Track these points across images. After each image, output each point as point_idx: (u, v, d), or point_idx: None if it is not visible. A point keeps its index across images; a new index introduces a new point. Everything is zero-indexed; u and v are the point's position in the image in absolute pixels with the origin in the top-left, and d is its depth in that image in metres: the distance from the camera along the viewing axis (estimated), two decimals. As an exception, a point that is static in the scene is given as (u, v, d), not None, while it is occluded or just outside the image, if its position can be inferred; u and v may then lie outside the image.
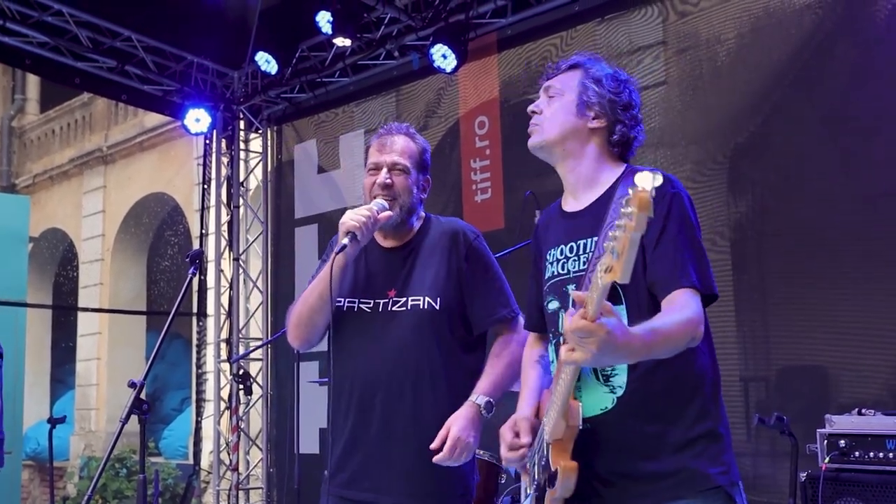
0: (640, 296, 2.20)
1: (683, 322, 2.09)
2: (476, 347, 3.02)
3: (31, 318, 11.83)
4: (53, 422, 5.94)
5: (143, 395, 2.89)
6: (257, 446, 8.25)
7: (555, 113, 2.44)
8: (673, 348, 2.09)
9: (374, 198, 2.97)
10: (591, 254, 2.27)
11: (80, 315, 15.03)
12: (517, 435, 2.32)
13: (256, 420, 8.33)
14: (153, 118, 13.15)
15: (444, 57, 6.35)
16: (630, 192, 1.73)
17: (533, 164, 7.11)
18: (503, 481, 4.57)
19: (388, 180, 2.98)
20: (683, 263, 2.17)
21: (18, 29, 7.02)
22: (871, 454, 3.69)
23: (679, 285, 2.15)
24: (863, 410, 3.88)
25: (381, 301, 2.97)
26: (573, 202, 2.44)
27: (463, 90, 7.07)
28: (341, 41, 6.75)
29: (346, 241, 2.84)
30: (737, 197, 5.60)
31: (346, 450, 2.96)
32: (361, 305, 3.00)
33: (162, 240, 15.12)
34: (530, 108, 2.50)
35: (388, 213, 2.93)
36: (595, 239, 2.26)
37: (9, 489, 8.49)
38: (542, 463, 2.24)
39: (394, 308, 2.95)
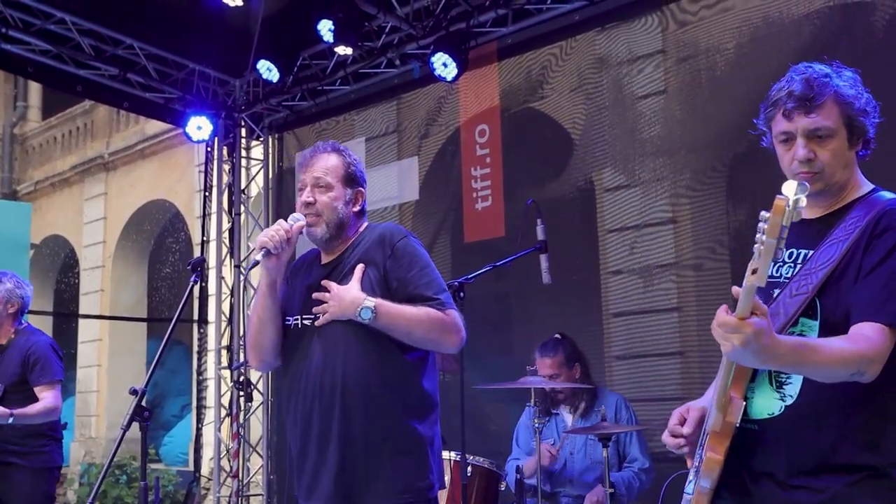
0: (836, 314, 2.14)
1: (848, 352, 2.04)
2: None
3: (32, 324, 11.84)
4: (55, 428, 5.92)
5: (143, 402, 2.91)
6: (258, 453, 8.25)
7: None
8: (828, 373, 2.07)
9: None
10: (801, 266, 2.24)
11: (81, 322, 15.04)
12: (683, 422, 2.31)
13: (257, 427, 8.33)
14: (154, 125, 13.17)
15: (445, 65, 6.37)
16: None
17: (533, 172, 7.20)
18: (503, 489, 4.57)
19: (310, 198, 3.08)
20: (887, 299, 2.09)
21: (21, 37, 7.04)
22: None
23: (871, 317, 2.09)
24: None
25: (315, 316, 3.02)
26: (808, 210, 2.39)
27: (463, 98, 7.10)
28: (343, 49, 6.77)
29: (258, 256, 2.96)
30: (736, 205, 5.63)
31: (298, 464, 3.06)
32: (305, 321, 3.07)
33: (163, 247, 15.13)
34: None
35: (301, 223, 3.03)
36: (810, 252, 2.24)
37: (9, 495, 8.48)
38: (701, 454, 2.25)
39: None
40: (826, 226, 2.26)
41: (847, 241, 2.18)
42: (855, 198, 2.29)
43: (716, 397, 2.17)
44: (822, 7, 5.23)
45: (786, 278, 2.26)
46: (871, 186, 2.34)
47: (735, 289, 1.91)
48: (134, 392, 2.85)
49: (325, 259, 3.18)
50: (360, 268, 2.99)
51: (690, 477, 2.32)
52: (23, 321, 5.49)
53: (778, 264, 2.30)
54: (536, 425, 4.39)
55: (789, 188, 1.81)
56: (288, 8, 6.95)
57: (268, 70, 7.19)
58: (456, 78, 6.46)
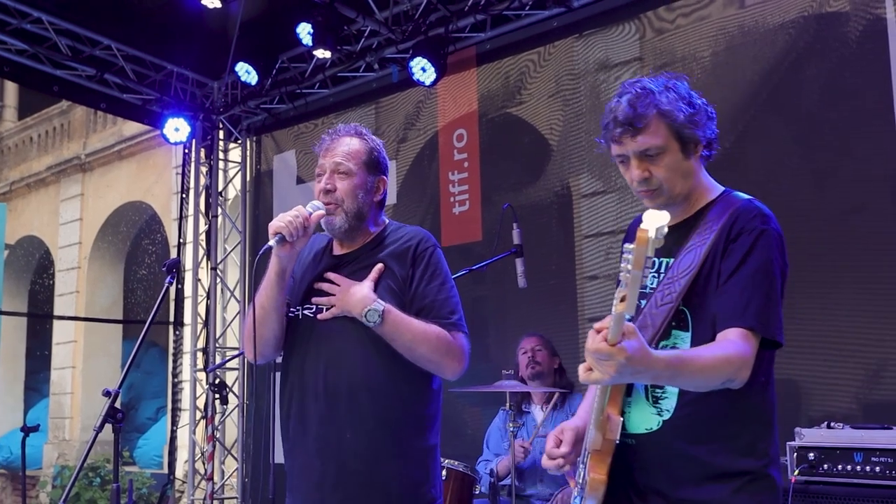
0: (706, 324, 2.17)
1: (720, 359, 2.07)
2: None
3: (6, 325, 11.77)
4: (27, 430, 5.89)
5: (117, 404, 2.89)
6: (233, 456, 8.22)
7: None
8: (703, 382, 2.09)
9: None
10: (662, 276, 2.26)
11: (56, 323, 14.93)
12: (559, 444, 2.30)
13: (232, 430, 8.30)
14: (132, 127, 13.12)
15: (424, 70, 6.37)
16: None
17: (511, 177, 7.21)
18: (477, 492, 4.57)
19: (329, 185, 2.88)
20: (748, 303, 2.12)
21: (-3, 36, 7.00)
22: (840, 467, 3.72)
23: (735, 323, 2.11)
24: (832, 424, 3.92)
25: (323, 307, 2.86)
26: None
27: (442, 103, 7.10)
28: (321, 53, 6.76)
29: (272, 242, 2.76)
30: (710, 212, 5.65)
31: (291, 463, 2.92)
32: (306, 312, 2.89)
33: (139, 248, 15.06)
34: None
35: (321, 212, 2.84)
36: (670, 261, 2.26)
37: (-19, 498, 8.41)
38: (583, 471, 2.24)
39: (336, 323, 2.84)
40: (683, 233, 2.28)
41: (704, 246, 2.21)
42: (707, 202, 2.32)
43: (593, 416, 2.17)
44: (796, 17, 5.27)
45: (651, 289, 2.28)
46: (721, 189, 2.36)
47: (597, 324, 1.89)
48: (107, 394, 2.82)
49: (338, 250, 2.99)
50: (378, 267, 2.83)
51: (575, 493, 2.33)
52: None
53: (651, 274, 2.33)
54: (511, 429, 4.39)
55: (650, 220, 1.79)
56: (267, 11, 6.93)
57: (246, 72, 7.17)
58: (434, 82, 6.46)
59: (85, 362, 14.17)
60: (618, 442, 2.16)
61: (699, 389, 2.12)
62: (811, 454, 3.80)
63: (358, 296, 2.74)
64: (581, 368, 1.94)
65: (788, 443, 3.88)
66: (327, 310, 2.81)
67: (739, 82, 5.42)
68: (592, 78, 6.29)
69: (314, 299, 2.85)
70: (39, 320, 16.16)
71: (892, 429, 3.75)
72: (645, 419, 2.23)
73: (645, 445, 2.22)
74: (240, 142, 8.55)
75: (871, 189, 4.92)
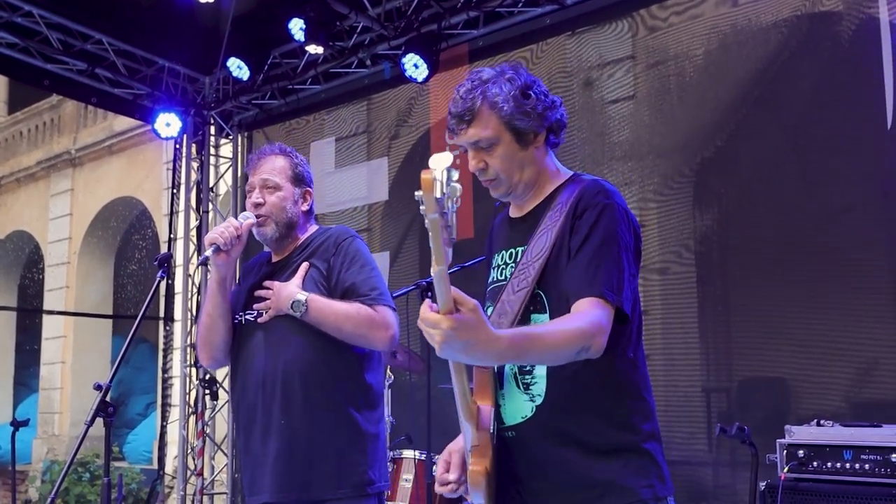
0: (562, 304, 2.14)
1: (571, 331, 2.02)
2: None
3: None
4: (16, 425, 5.88)
5: (108, 398, 2.88)
6: (223, 451, 8.21)
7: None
8: (555, 355, 2.04)
9: None
10: (515, 265, 2.26)
11: (45, 318, 14.89)
12: (448, 468, 2.25)
13: (222, 425, 8.28)
14: (123, 122, 13.07)
15: (416, 66, 6.37)
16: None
17: (502, 174, 7.13)
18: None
19: (259, 199, 3.13)
20: (596, 274, 2.11)
21: (-12, 30, 6.97)
22: (829, 464, 3.73)
23: (585, 294, 2.09)
24: (821, 421, 3.93)
25: (262, 312, 3.07)
26: (514, 210, 2.43)
27: (434, 100, 7.10)
28: (313, 49, 6.75)
29: (208, 252, 3.00)
30: (702, 210, 5.67)
31: (244, 460, 3.11)
32: (248, 317, 3.12)
33: (129, 244, 15.02)
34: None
35: (251, 220, 3.09)
36: (523, 248, 2.26)
37: (-31, 493, 8.38)
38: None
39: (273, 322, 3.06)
40: (534, 220, 2.29)
41: (555, 229, 2.21)
42: (555, 187, 2.32)
43: (461, 410, 2.08)
44: (789, 16, 5.28)
45: (507, 278, 2.28)
46: (570, 173, 2.37)
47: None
48: (98, 387, 2.82)
49: (274, 259, 3.23)
50: (304, 266, 3.07)
51: None
52: None
53: (500, 267, 2.35)
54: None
55: (435, 161, 1.70)
56: (259, 6, 6.92)
57: (238, 68, 7.15)
58: (427, 79, 6.46)
59: (75, 358, 14.13)
60: (493, 433, 2.12)
61: (556, 363, 2.09)
62: (801, 451, 3.81)
63: (285, 293, 2.98)
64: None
65: (778, 440, 3.89)
66: (266, 313, 3.03)
67: (732, 81, 5.43)
68: (585, 75, 6.29)
69: (255, 305, 3.07)
70: (29, 315, 16.11)
71: (881, 427, 3.76)
72: (519, 408, 2.20)
73: (523, 434, 2.19)
74: (231, 137, 8.53)
75: (862, 188, 4.94)
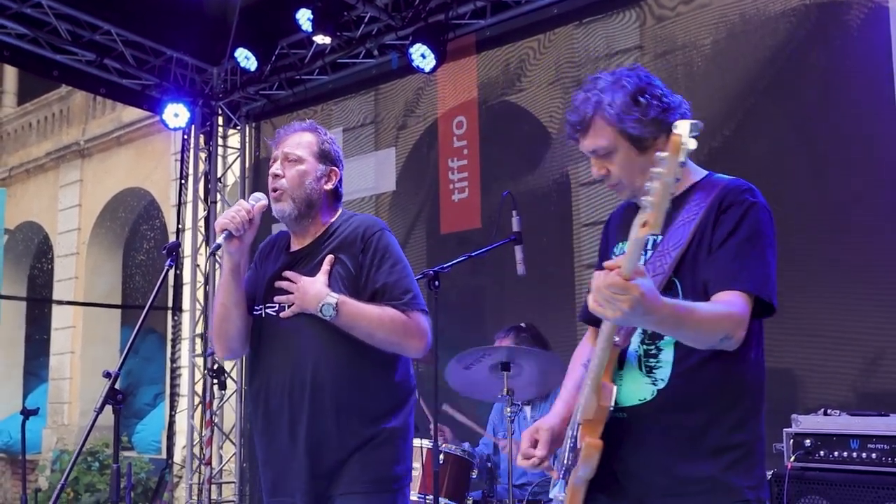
0: (696, 293, 2.17)
1: (721, 314, 2.08)
2: None
3: (5, 310, 11.77)
4: (26, 413, 5.88)
5: (117, 387, 2.87)
6: (230, 441, 8.23)
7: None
8: (704, 336, 2.09)
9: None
10: (651, 252, 2.28)
11: (55, 308, 14.92)
12: (535, 444, 2.31)
13: (230, 415, 8.30)
14: (131, 113, 13.07)
15: (423, 57, 6.36)
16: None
17: (510, 164, 7.20)
18: (475, 476, 4.58)
19: (279, 171, 2.97)
20: (742, 267, 2.14)
21: (-3, 20, 6.98)
22: (836, 453, 3.73)
23: (730, 287, 2.13)
24: (828, 411, 3.93)
25: (284, 305, 2.92)
26: None
27: (441, 90, 7.09)
28: (321, 39, 6.74)
29: (220, 239, 2.83)
30: (710, 200, 5.65)
31: (266, 460, 2.99)
32: (268, 310, 2.96)
33: (138, 234, 15.03)
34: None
35: (263, 202, 2.91)
36: (658, 238, 2.27)
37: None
38: (572, 444, 2.23)
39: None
40: (668, 213, 2.31)
41: (695, 222, 2.23)
42: (692, 183, 2.33)
43: (591, 381, 2.17)
44: (798, 5, 5.26)
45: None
46: (704, 172, 2.39)
47: (608, 262, 1.89)
48: (107, 375, 2.81)
49: (295, 245, 3.05)
50: (329, 259, 2.89)
51: (554, 481, 2.33)
52: None
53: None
54: (509, 413, 4.40)
55: (683, 127, 1.81)
56: (267, -4, 6.92)
57: (246, 58, 7.15)
58: (434, 69, 6.46)
59: (84, 348, 14.16)
60: (611, 409, 2.16)
61: (697, 343, 2.11)
62: (807, 441, 3.81)
63: (312, 292, 2.80)
64: (589, 300, 1.93)
65: (785, 429, 3.89)
66: (289, 307, 2.87)
67: (740, 70, 5.41)
68: (593, 66, 6.27)
69: (276, 298, 2.92)
70: (38, 305, 16.15)
71: (888, 416, 3.76)
72: (638, 390, 2.22)
73: (637, 417, 2.21)
74: (239, 128, 8.53)
75: (872, 178, 4.92)
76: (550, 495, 2.38)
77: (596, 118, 2.26)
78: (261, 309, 2.98)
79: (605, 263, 1.91)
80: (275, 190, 2.95)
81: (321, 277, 2.84)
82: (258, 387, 2.99)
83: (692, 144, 1.81)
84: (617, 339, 2.21)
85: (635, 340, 2.25)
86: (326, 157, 3.03)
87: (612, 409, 2.16)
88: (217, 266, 8.27)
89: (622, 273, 1.85)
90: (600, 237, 2.64)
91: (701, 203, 2.25)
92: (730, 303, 2.11)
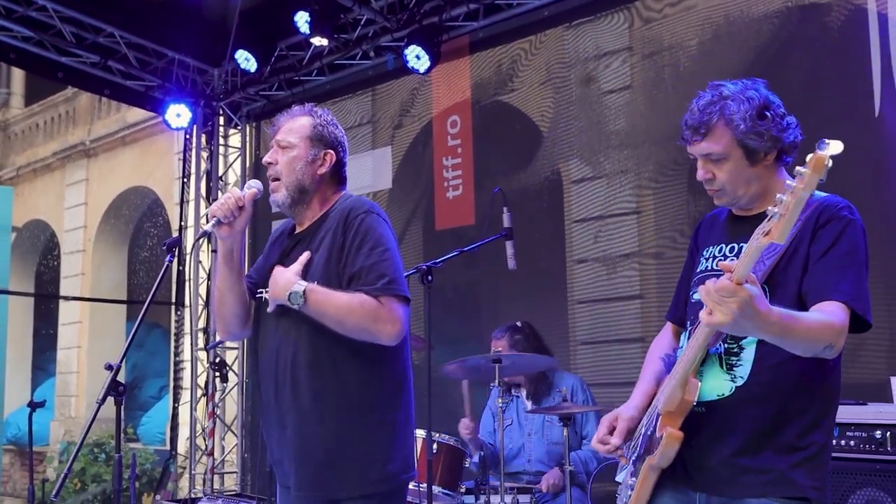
0: (785, 303, 2.13)
1: (826, 323, 2.08)
2: None
3: (14, 306, 11.74)
4: (33, 406, 5.91)
5: (120, 379, 2.88)
6: (232, 432, 8.25)
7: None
8: (808, 344, 2.08)
9: None
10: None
11: (62, 304, 14.93)
12: (612, 431, 2.34)
13: (232, 407, 8.32)
14: (135, 113, 13.07)
15: (418, 58, 6.38)
16: (810, 155, 1.80)
17: (502, 162, 7.21)
18: (467, 465, 4.60)
19: (270, 159, 2.90)
20: (841, 279, 2.15)
21: (3, 23, 6.98)
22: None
23: (831, 297, 2.13)
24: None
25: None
26: (738, 209, 2.44)
27: (436, 90, 7.11)
28: (319, 41, 6.75)
29: (208, 227, 2.78)
30: (696, 196, 5.67)
31: (268, 440, 2.93)
32: (265, 294, 2.86)
33: (142, 232, 15.03)
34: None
35: (254, 190, 2.84)
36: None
37: (-11, 472, 8.44)
38: (649, 432, 2.26)
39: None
40: (760, 222, 2.31)
41: (791, 233, 2.21)
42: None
43: (679, 376, 2.19)
44: (780, 7, 5.28)
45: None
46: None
47: (723, 263, 1.92)
48: (109, 367, 2.81)
49: (297, 229, 2.97)
50: (305, 255, 2.79)
51: (625, 468, 2.36)
52: None
53: (718, 258, 2.36)
54: (500, 405, 4.42)
55: (831, 146, 1.83)
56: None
57: (246, 60, 7.16)
58: (428, 70, 6.47)
59: (90, 342, 14.16)
60: (694, 403, 2.18)
61: (803, 351, 2.11)
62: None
63: (281, 281, 2.72)
64: (703, 313, 1.95)
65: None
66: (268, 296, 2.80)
67: (724, 71, 5.42)
68: (582, 66, 6.29)
69: (259, 291, 2.89)
70: (46, 301, 16.14)
71: (866, 405, 3.78)
72: (718, 386, 2.23)
73: (715, 411, 2.22)
74: (239, 128, 8.55)
75: (852, 175, 4.93)
76: (617, 479, 2.40)
77: (718, 124, 2.26)
78: (261, 293, 2.90)
79: (720, 264, 1.93)
80: (274, 179, 2.89)
81: (295, 267, 2.75)
82: (254, 370, 2.97)
83: (830, 164, 1.82)
84: (732, 332, 2.21)
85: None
86: (320, 140, 2.91)
87: (694, 402, 2.18)
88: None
89: (734, 277, 1.87)
90: (689, 242, 2.64)
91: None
92: (831, 312, 2.11)
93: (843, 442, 3.68)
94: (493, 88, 6.79)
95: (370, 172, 7.50)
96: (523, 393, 5.11)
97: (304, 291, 2.67)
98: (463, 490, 4.55)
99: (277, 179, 2.87)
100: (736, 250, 2.33)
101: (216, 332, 3.10)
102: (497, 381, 4.49)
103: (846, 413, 3.74)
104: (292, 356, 2.76)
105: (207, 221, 2.82)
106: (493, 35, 6.67)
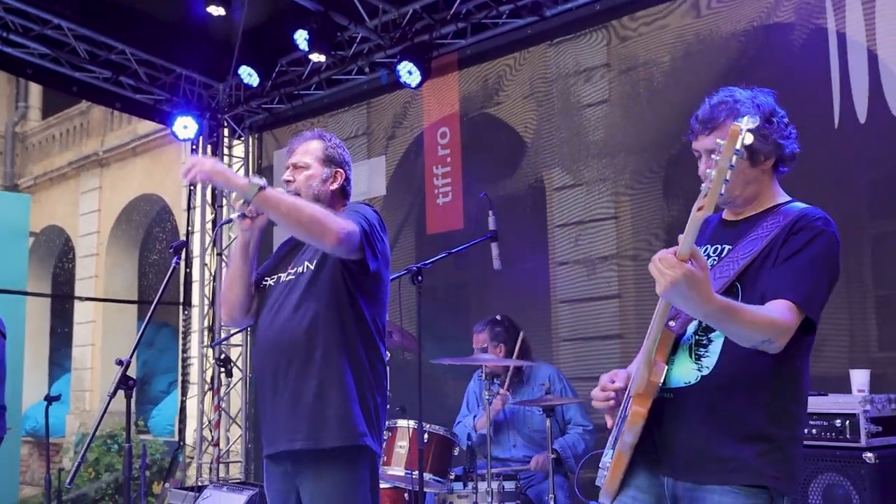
0: (754, 298, 2.16)
1: (767, 318, 2.07)
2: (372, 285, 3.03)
3: (31, 306, 11.71)
4: (50, 400, 5.90)
5: (131, 374, 2.90)
6: (237, 424, 8.24)
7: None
8: (747, 334, 2.08)
9: None
10: (719, 260, 2.29)
11: (77, 304, 14.89)
12: (612, 381, 2.32)
13: (236, 400, 8.31)
14: (145, 125, 13.05)
15: (410, 73, 6.39)
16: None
17: (489, 171, 7.22)
18: (456, 453, 4.61)
19: (289, 177, 3.13)
20: (799, 282, 2.13)
21: (21, 41, 6.99)
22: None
23: (784, 296, 2.12)
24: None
25: (280, 275, 3.09)
26: (727, 213, 2.44)
27: (427, 104, 7.11)
28: (317, 57, 6.75)
29: (234, 215, 3.02)
30: (670, 202, 5.69)
31: (262, 417, 3.08)
32: (269, 281, 3.11)
33: (152, 236, 15.01)
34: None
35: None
36: (730, 247, 2.28)
37: (9, 463, 8.41)
38: (624, 415, 2.25)
39: (284, 279, 3.07)
40: (746, 226, 2.31)
41: (767, 237, 2.23)
42: (772, 205, 2.33)
43: (643, 357, 2.18)
44: (747, 27, 5.30)
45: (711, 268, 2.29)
46: (788, 198, 2.38)
47: (681, 236, 1.92)
48: (119, 363, 2.83)
49: None
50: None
51: (607, 450, 2.34)
52: None
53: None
54: (487, 397, 4.43)
55: (745, 121, 1.84)
56: (267, 19, 6.94)
57: (249, 75, 7.16)
58: (420, 85, 6.48)
59: (103, 340, 14.13)
60: (660, 385, 2.17)
61: (741, 341, 2.11)
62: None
63: (233, 175, 2.90)
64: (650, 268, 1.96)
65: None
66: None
67: (695, 85, 5.45)
68: (563, 82, 6.31)
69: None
70: (62, 302, 16.10)
71: (827, 395, 3.80)
72: (685, 374, 2.22)
73: (682, 398, 2.21)
74: (243, 139, 8.53)
75: (813, 184, 4.95)
76: (602, 461, 2.39)
77: (727, 121, 2.24)
78: (266, 281, 3.13)
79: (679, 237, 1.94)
80: (295, 195, 3.06)
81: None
82: (254, 345, 3.15)
83: (749, 138, 1.84)
84: (673, 324, 2.22)
85: (690, 329, 2.26)
86: (331, 160, 3.17)
87: (660, 385, 2.17)
88: (224, 264, 8.28)
89: (678, 253, 1.89)
90: None
91: (778, 223, 2.25)
92: (778, 310, 2.09)
93: (805, 430, 3.69)
94: (480, 102, 6.80)
95: (365, 180, 7.50)
96: (503, 383, 5.14)
97: (263, 184, 2.79)
98: (452, 477, 4.56)
99: (297, 195, 3.06)
100: (720, 251, 2.32)
101: (220, 319, 3.26)
102: (483, 373, 4.51)
103: (809, 403, 3.76)
104: (291, 331, 2.94)
105: (235, 212, 3.04)
106: (479, 52, 6.68)
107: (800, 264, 2.16)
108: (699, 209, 1.87)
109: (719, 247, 2.33)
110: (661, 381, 2.17)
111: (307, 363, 2.91)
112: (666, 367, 2.19)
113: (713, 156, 1.87)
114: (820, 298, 2.17)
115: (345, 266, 2.95)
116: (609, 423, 2.36)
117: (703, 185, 1.88)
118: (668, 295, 1.95)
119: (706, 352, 2.22)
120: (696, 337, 2.25)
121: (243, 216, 2.99)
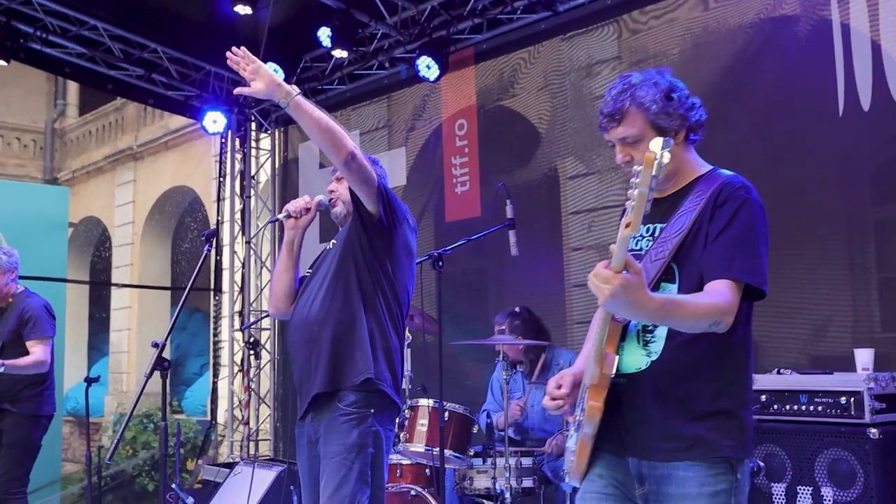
0: (692, 279, 2.15)
1: (708, 305, 2.06)
2: (389, 228, 3.22)
3: (71, 293, 11.80)
4: (89, 381, 5.93)
5: (166, 355, 2.91)
6: (266, 404, 8.28)
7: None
8: (692, 324, 2.07)
9: None
10: (656, 239, 2.27)
11: (113, 291, 15.01)
12: (560, 387, 2.30)
13: (265, 381, 8.35)
14: (177, 121, 13.10)
15: (429, 67, 6.37)
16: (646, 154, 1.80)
17: (505, 161, 7.20)
18: (475, 432, 4.62)
19: (332, 187, 3.39)
20: (733, 258, 2.11)
21: (59, 41, 7.01)
22: (788, 407, 3.75)
23: (721, 276, 2.11)
24: (781, 371, 3.95)
25: (313, 269, 3.34)
26: (657, 192, 2.38)
27: (445, 97, 7.09)
28: (339, 53, 6.75)
29: (280, 216, 3.30)
30: (678, 190, 5.65)
31: (298, 388, 3.26)
32: (306, 275, 3.36)
33: (183, 226, 15.08)
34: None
35: (320, 197, 3.33)
36: (663, 225, 2.26)
37: (51, 441, 8.48)
38: (582, 405, 2.24)
39: (321, 265, 3.29)
40: (674, 202, 2.28)
41: (695, 211, 2.21)
42: (696, 176, 2.31)
43: (594, 352, 2.17)
44: (754, 19, 5.24)
45: (645, 251, 2.28)
46: (709, 167, 2.36)
47: (612, 246, 1.90)
48: (155, 345, 2.85)
49: None
50: (319, 197, 3.35)
51: (571, 433, 2.33)
52: (20, 285, 5.30)
53: (637, 238, 2.32)
54: (505, 377, 4.42)
55: (656, 144, 1.82)
56: (291, 17, 6.92)
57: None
58: (438, 78, 6.46)
59: (139, 325, 14.24)
60: (613, 376, 2.15)
61: (688, 331, 2.11)
62: (763, 396, 3.83)
63: (273, 77, 3.00)
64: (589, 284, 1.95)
65: (744, 387, 3.90)
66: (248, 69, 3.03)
67: (704, 76, 5.40)
68: (576, 74, 6.27)
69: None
70: (99, 288, 16.23)
71: (832, 374, 3.78)
72: (636, 360, 2.21)
73: (635, 382, 2.20)
74: (269, 132, 8.55)
75: (818, 169, 4.92)
76: (566, 445, 2.39)
77: (631, 109, 2.24)
78: (308, 273, 3.37)
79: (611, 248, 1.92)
80: (330, 200, 3.36)
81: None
82: (289, 323, 3.35)
83: (666, 158, 1.82)
84: (619, 315, 2.20)
85: None
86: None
87: (613, 376, 2.15)
88: (252, 252, 8.33)
89: (612, 265, 1.87)
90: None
91: (703, 194, 2.23)
92: (718, 292, 2.08)
93: (811, 408, 3.69)
94: (496, 94, 6.77)
95: (386, 171, 7.48)
96: (521, 371, 5.14)
97: (298, 93, 2.94)
98: (472, 454, 4.57)
99: (339, 200, 3.35)
100: (652, 231, 2.29)
101: (267, 306, 3.59)
102: (501, 355, 4.50)
103: (814, 382, 3.74)
104: (318, 309, 3.15)
105: (281, 212, 3.33)
106: (495, 46, 6.65)
107: (731, 239, 2.13)
108: (626, 226, 1.84)
109: (651, 226, 2.31)
110: (613, 372, 2.16)
111: (332, 328, 3.09)
112: (617, 358, 2.17)
113: (633, 179, 1.84)
114: (762, 265, 2.15)
115: (366, 231, 3.15)
116: (570, 419, 2.35)
117: (626, 202, 1.86)
118: (610, 306, 1.95)
119: (653, 337, 2.21)
120: (643, 323, 2.22)
121: (288, 216, 3.26)
